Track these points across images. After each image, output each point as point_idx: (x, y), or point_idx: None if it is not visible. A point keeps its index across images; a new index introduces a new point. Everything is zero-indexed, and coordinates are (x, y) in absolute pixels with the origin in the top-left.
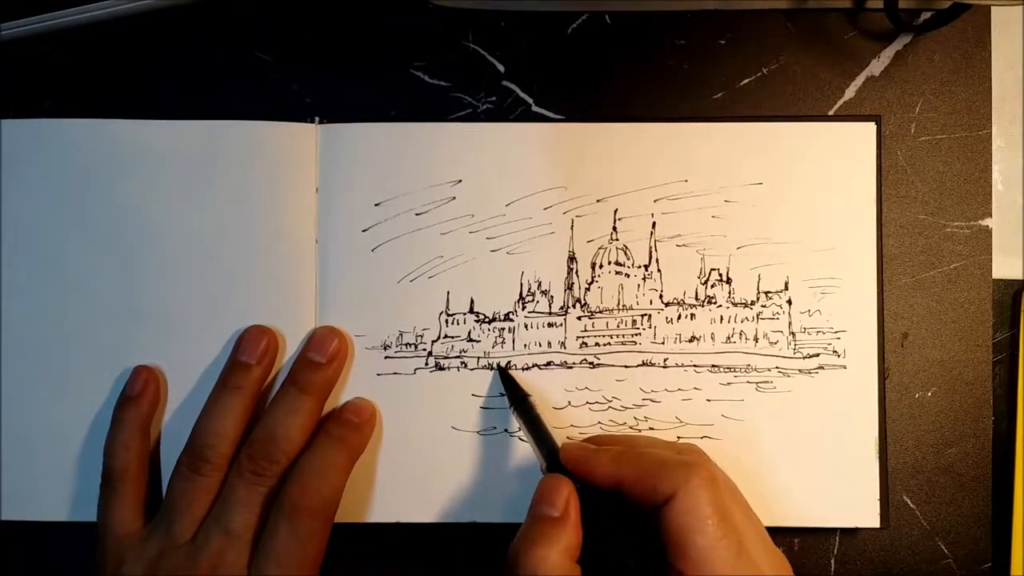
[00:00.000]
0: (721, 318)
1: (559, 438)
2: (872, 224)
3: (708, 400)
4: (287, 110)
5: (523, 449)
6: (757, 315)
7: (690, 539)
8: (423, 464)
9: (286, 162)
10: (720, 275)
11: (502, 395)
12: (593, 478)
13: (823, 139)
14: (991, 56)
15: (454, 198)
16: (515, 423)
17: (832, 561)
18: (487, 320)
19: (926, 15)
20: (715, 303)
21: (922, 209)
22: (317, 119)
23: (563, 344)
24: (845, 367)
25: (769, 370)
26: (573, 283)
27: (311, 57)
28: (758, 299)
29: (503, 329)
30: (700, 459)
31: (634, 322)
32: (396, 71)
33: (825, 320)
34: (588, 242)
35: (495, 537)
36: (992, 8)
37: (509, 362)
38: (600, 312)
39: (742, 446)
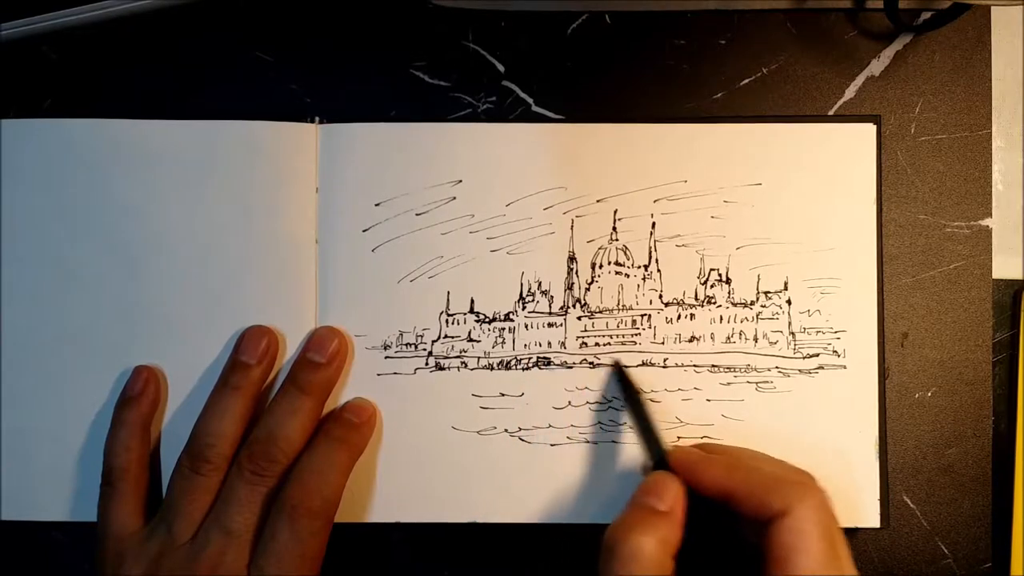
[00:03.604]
0: (721, 318)
1: (561, 438)
2: (872, 224)
3: (708, 400)
4: (287, 110)
5: (523, 449)
6: (757, 315)
7: (795, 559)
8: (423, 464)
9: (286, 162)
10: (720, 275)
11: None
12: (701, 485)
13: (823, 139)
14: (991, 56)
15: (454, 198)
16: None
17: None
18: (487, 320)
19: (926, 15)
20: (715, 303)
21: (922, 209)
22: (317, 119)
23: (563, 344)
24: (845, 367)
25: (769, 370)
26: (573, 283)
27: (311, 57)
28: (758, 299)
29: (503, 329)
30: (813, 482)
31: (634, 322)
32: (396, 71)
33: (825, 320)
34: (588, 242)
35: (495, 537)
36: (992, 8)
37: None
38: (600, 312)
39: (742, 446)
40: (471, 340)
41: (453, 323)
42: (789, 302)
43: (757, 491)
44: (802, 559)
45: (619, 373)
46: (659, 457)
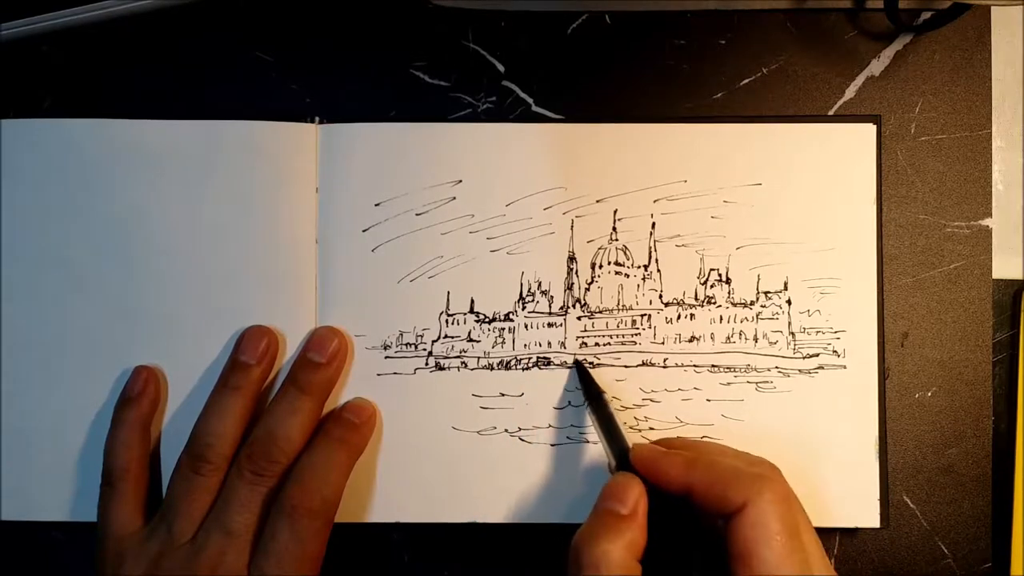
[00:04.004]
0: (721, 318)
1: (561, 438)
2: (872, 224)
3: (708, 400)
4: (287, 110)
5: (523, 449)
6: (757, 315)
7: (757, 552)
8: (423, 464)
9: (286, 162)
10: (719, 275)
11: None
12: (663, 481)
13: (823, 139)
14: (991, 56)
15: (454, 198)
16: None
17: (832, 561)
18: (487, 320)
19: (926, 15)
20: (715, 303)
21: (922, 209)
22: (317, 119)
23: (563, 344)
24: (845, 367)
25: (769, 370)
26: (573, 283)
27: (311, 57)
28: (757, 299)
29: (503, 329)
30: (772, 473)
31: (634, 322)
32: (396, 71)
33: (825, 320)
34: (588, 242)
35: (495, 537)
36: (992, 8)
37: (586, 359)
38: (600, 312)
39: (742, 446)
40: (471, 340)
41: (453, 323)
42: (789, 302)
43: (716, 486)
44: (764, 552)
45: (580, 371)
46: (621, 456)
